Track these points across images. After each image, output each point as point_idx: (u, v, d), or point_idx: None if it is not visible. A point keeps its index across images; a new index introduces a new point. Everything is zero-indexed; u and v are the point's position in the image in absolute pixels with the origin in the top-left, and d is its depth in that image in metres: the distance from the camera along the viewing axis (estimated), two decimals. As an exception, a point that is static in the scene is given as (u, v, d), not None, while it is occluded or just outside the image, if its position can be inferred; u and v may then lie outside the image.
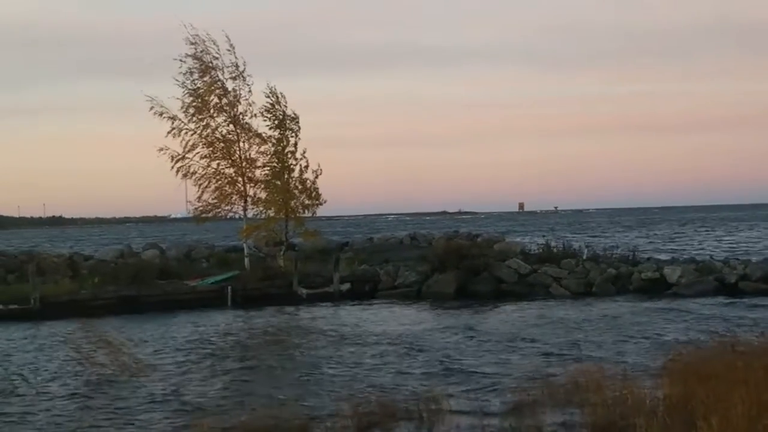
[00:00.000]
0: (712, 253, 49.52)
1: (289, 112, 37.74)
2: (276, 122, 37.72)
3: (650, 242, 68.65)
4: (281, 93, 37.75)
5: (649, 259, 38.11)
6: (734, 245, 61.29)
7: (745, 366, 11.59)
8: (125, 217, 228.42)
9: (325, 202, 38.51)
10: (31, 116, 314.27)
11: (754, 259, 38.60)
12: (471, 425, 12.98)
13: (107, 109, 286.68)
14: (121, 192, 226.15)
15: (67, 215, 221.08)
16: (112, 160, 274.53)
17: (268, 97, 37.61)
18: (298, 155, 37.74)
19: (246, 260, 37.17)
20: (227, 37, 37.20)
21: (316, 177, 37.86)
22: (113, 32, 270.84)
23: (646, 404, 11.27)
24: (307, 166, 37.85)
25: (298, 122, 37.85)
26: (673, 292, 32.18)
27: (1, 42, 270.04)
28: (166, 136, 37.20)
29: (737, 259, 38.66)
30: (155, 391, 16.84)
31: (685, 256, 42.35)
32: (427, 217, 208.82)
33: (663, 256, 42.67)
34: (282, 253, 37.53)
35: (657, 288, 32.76)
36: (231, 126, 37.99)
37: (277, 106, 37.68)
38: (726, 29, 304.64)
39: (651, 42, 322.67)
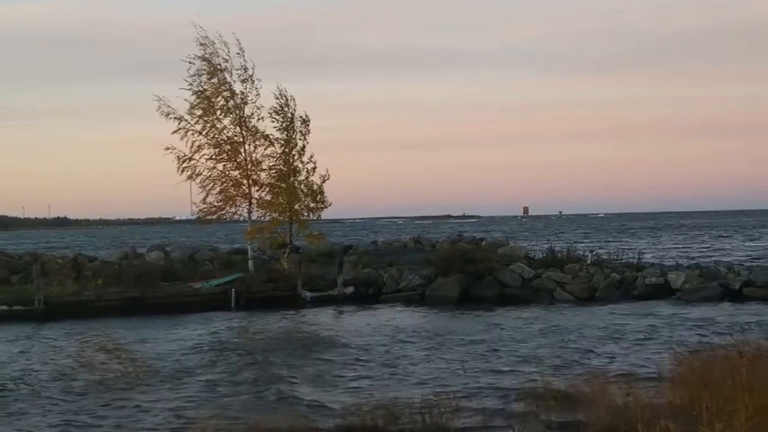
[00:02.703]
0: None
1: (300, 113, 37.73)
2: (285, 124, 37.69)
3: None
4: (291, 96, 37.79)
5: (653, 264, 38.03)
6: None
7: (750, 372, 11.55)
8: (129, 219, 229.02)
9: (330, 205, 38.54)
10: (36, 118, 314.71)
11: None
12: (474, 430, 12.95)
13: (113, 111, 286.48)
14: (126, 193, 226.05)
15: (71, 216, 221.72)
16: (117, 161, 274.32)
17: (278, 98, 37.56)
18: (305, 158, 37.73)
19: (250, 263, 37.09)
20: (237, 40, 37.25)
21: (323, 181, 37.83)
22: (123, 34, 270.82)
23: (649, 410, 11.23)
24: (314, 169, 37.80)
25: (308, 125, 37.82)
26: (677, 298, 32.15)
27: (8, 46, 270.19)
28: (172, 134, 37.22)
29: (742, 264, 38.59)
30: (157, 393, 16.84)
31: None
32: (431, 221, 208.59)
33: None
34: (286, 255, 37.43)
35: (661, 293, 32.69)
36: (237, 128, 37.95)
37: (286, 108, 37.62)
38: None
39: (661, 45, 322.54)
